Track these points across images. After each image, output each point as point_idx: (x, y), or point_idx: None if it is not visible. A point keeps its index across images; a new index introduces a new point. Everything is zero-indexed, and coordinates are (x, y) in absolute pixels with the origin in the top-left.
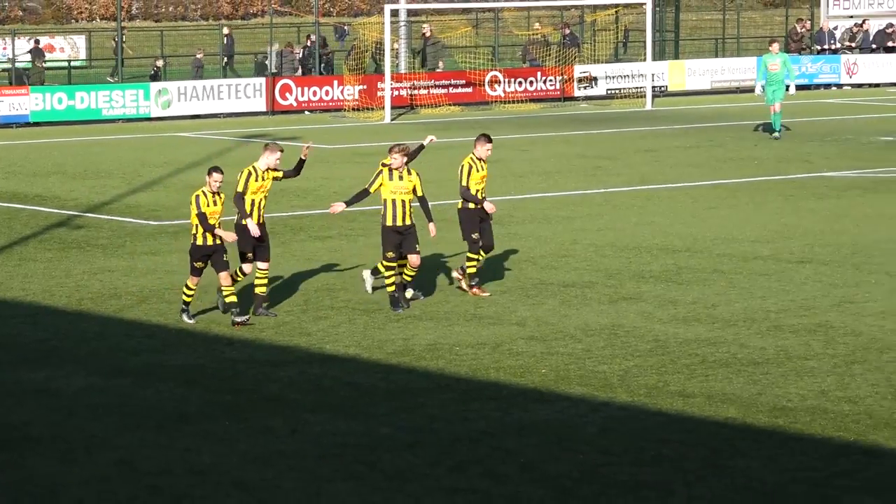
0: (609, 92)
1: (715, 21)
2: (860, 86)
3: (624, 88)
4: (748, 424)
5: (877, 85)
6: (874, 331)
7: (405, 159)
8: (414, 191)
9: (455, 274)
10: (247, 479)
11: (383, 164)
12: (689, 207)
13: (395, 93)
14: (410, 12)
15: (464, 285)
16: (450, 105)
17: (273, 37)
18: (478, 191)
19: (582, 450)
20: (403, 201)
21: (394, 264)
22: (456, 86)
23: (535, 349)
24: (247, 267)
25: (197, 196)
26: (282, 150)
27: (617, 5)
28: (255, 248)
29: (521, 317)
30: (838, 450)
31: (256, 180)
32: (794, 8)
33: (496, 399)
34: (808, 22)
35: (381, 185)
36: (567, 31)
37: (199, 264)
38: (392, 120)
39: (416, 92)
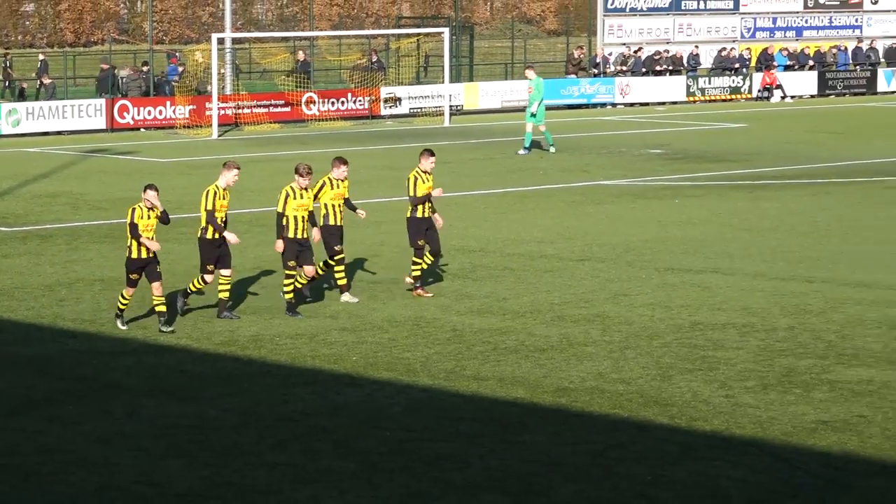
0: (412, 110)
1: (504, 48)
2: (632, 105)
3: (425, 107)
4: (535, 403)
5: (646, 104)
6: (645, 320)
7: (310, 180)
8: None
9: (407, 279)
10: (89, 457)
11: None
12: (483, 213)
13: (222, 112)
14: (235, 40)
15: (418, 289)
16: (270, 123)
17: (111, 62)
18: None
19: (388, 428)
20: (303, 216)
21: (333, 262)
22: (276, 105)
23: (346, 339)
24: (208, 277)
25: (133, 209)
26: (238, 168)
27: (418, 34)
28: (217, 258)
29: (334, 310)
30: (613, 425)
31: (221, 199)
32: (574, 36)
33: (312, 384)
34: (585, 49)
35: (284, 202)
36: (374, 58)
37: (134, 276)
38: (219, 136)
39: (240, 111)
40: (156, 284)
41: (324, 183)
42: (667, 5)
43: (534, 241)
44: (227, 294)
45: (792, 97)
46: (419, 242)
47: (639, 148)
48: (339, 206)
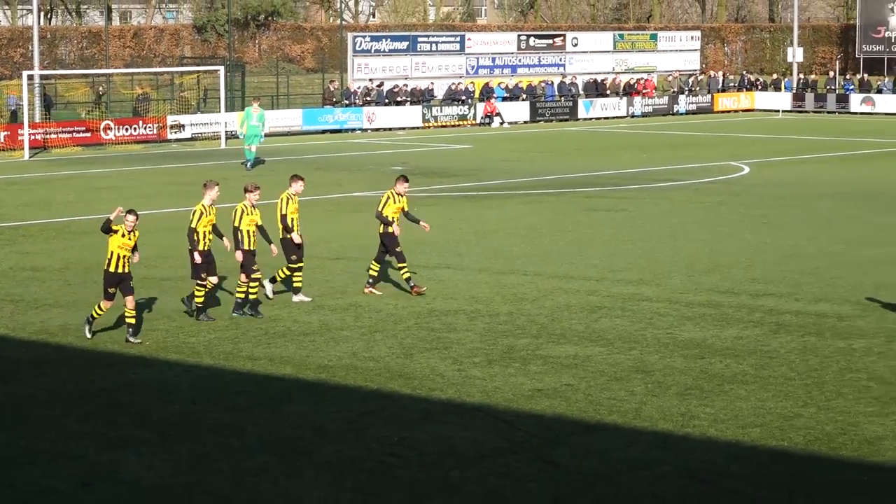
0: (194, 135)
1: (271, 83)
2: (377, 130)
3: (205, 132)
4: (300, 378)
5: (389, 129)
6: (390, 308)
7: (257, 197)
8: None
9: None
10: None
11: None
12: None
13: (32, 137)
14: (43, 76)
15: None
16: (74, 146)
17: None
18: (393, 218)
19: (177, 401)
20: (253, 231)
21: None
22: (78, 131)
23: (141, 327)
24: (213, 279)
25: (114, 231)
26: (217, 184)
27: (198, 71)
28: (207, 266)
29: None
30: (366, 395)
31: (205, 215)
32: (329, 73)
33: (112, 365)
34: (339, 83)
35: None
36: (141, 92)
37: (111, 289)
38: (30, 157)
39: (48, 136)
40: (129, 298)
41: (289, 199)
42: (405, 48)
43: None
44: (202, 299)
45: (509, 123)
46: (398, 250)
47: (383, 165)
48: (296, 219)
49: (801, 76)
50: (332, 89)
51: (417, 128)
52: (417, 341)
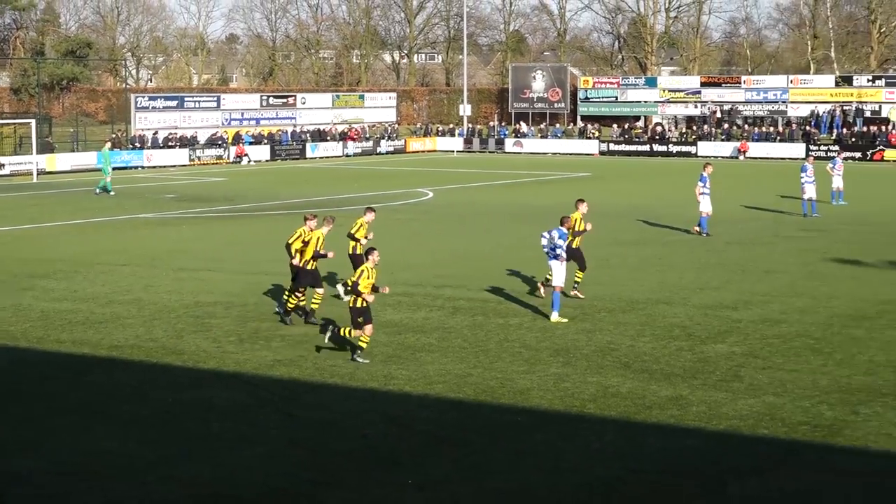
0: (11, 172)
1: (72, 132)
2: (155, 167)
3: (20, 170)
4: (96, 356)
5: (164, 166)
6: (165, 301)
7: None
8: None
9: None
10: None
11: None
12: (60, 236)
13: None
14: None
15: (542, 292)
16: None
17: None
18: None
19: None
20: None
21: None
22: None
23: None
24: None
25: (362, 271)
26: (333, 220)
27: (15, 123)
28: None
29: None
30: (147, 368)
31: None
32: (117, 123)
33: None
34: (124, 132)
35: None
36: None
37: (360, 319)
38: None
39: None
40: (368, 327)
41: (361, 225)
42: (175, 105)
43: (93, 252)
44: (317, 305)
45: (255, 161)
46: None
47: (159, 194)
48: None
49: (470, 125)
50: (119, 136)
51: (185, 165)
52: (186, 326)
